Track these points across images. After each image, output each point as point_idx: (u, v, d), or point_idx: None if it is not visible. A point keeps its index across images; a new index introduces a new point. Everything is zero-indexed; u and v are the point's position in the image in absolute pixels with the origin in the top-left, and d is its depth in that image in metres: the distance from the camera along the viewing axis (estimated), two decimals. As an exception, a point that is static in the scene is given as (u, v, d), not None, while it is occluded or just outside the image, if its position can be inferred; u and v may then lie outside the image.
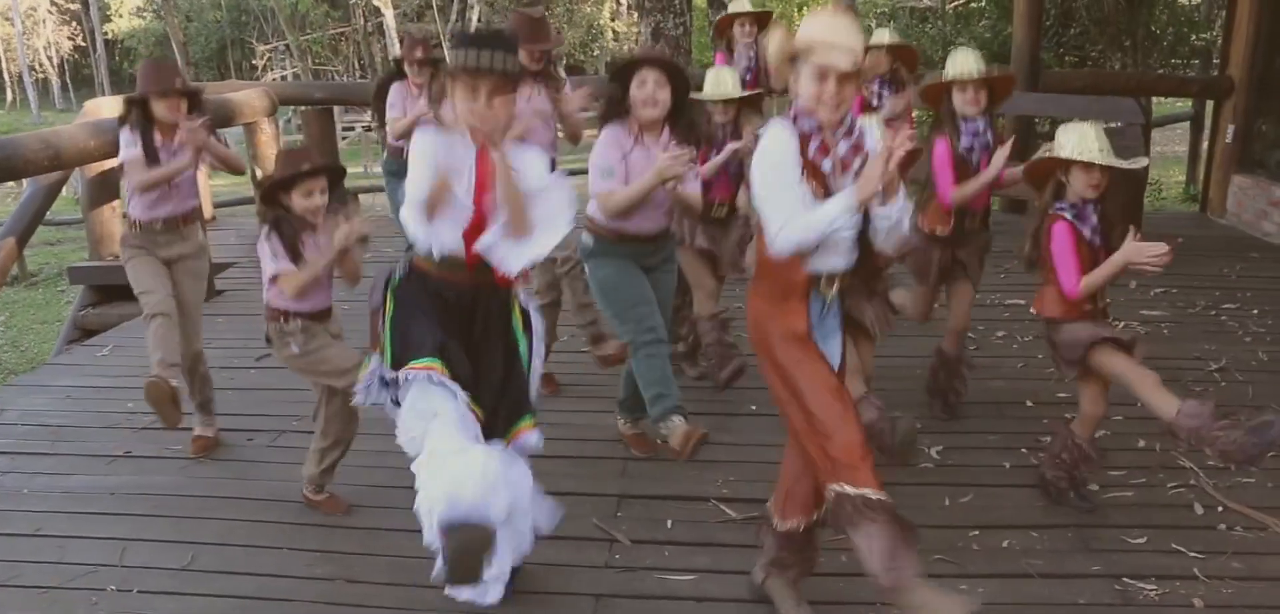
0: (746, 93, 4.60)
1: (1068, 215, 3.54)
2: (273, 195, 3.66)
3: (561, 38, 4.27)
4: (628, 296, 3.97)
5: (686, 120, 3.97)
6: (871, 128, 2.84)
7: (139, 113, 4.22)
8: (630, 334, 3.97)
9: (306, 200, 3.65)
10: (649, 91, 3.79)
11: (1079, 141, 3.50)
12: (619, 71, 3.93)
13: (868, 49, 4.97)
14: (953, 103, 4.22)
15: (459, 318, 3.03)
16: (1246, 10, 8.64)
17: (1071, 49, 12.69)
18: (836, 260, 2.79)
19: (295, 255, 3.64)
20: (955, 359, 4.58)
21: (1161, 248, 3.33)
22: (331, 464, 3.93)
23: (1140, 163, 3.54)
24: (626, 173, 3.83)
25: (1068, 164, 3.54)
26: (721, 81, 4.44)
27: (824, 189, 2.74)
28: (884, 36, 5.28)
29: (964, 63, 4.19)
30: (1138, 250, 3.37)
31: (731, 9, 5.83)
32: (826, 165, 2.75)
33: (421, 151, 2.89)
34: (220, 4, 29.81)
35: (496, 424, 3.04)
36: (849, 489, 2.68)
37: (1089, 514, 3.78)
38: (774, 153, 2.72)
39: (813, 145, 2.74)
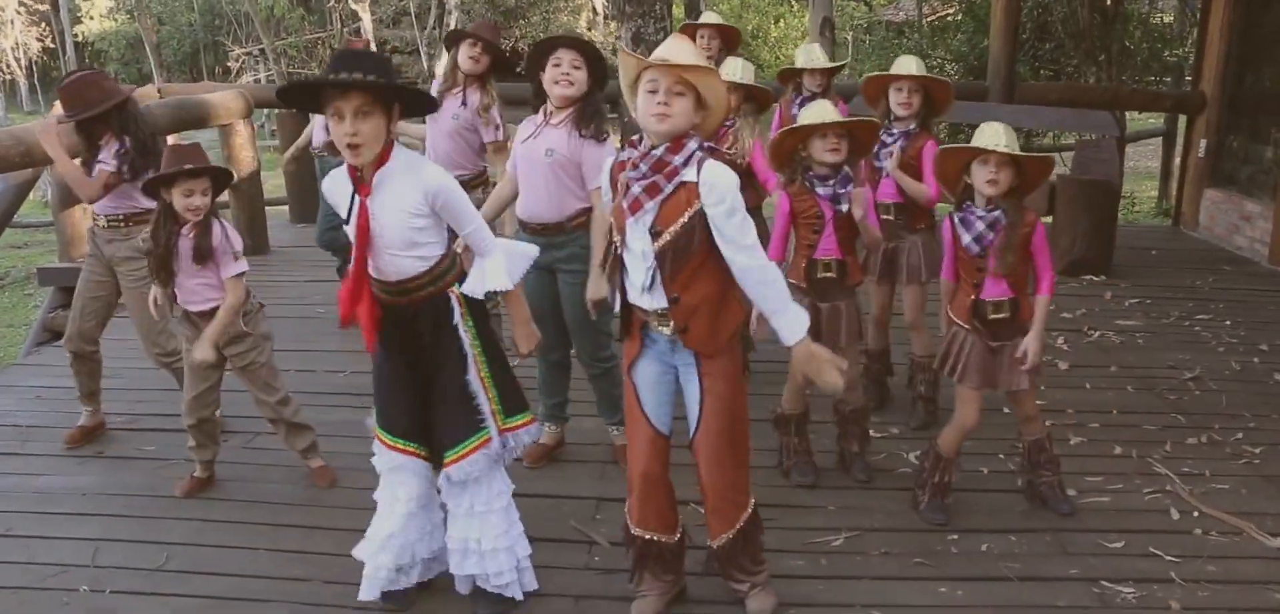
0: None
1: (955, 218, 3.56)
2: (154, 189, 3.80)
3: (497, 31, 4.32)
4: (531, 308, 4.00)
5: (593, 108, 3.79)
6: (693, 169, 2.77)
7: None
8: None
9: (186, 199, 3.76)
10: (563, 70, 3.71)
11: (987, 135, 3.43)
12: (534, 55, 3.83)
13: (803, 72, 4.90)
14: (889, 104, 4.32)
15: (409, 335, 3.05)
16: (1218, 28, 8.76)
17: (1047, 63, 12.84)
18: (640, 297, 2.87)
19: (162, 253, 3.80)
20: (928, 360, 4.61)
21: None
22: (304, 443, 4.16)
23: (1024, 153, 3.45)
24: (514, 161, 3.91)
25: (970, 163, 3.49)
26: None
27: (618, 222, 2.85)
28: (815, 54, 5.20)
29: (901, 64, 4.31)
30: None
31: (702, 19, 5.80)
32: (624, 202, 2.81)
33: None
34: (194, 6, 29.56)
35: (444, 440, 3.08)
36: (630, 521, 3.12)
37: (1067, 519, 3.79)
38: None
39: (621, 177, 2.84)
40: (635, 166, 2.78)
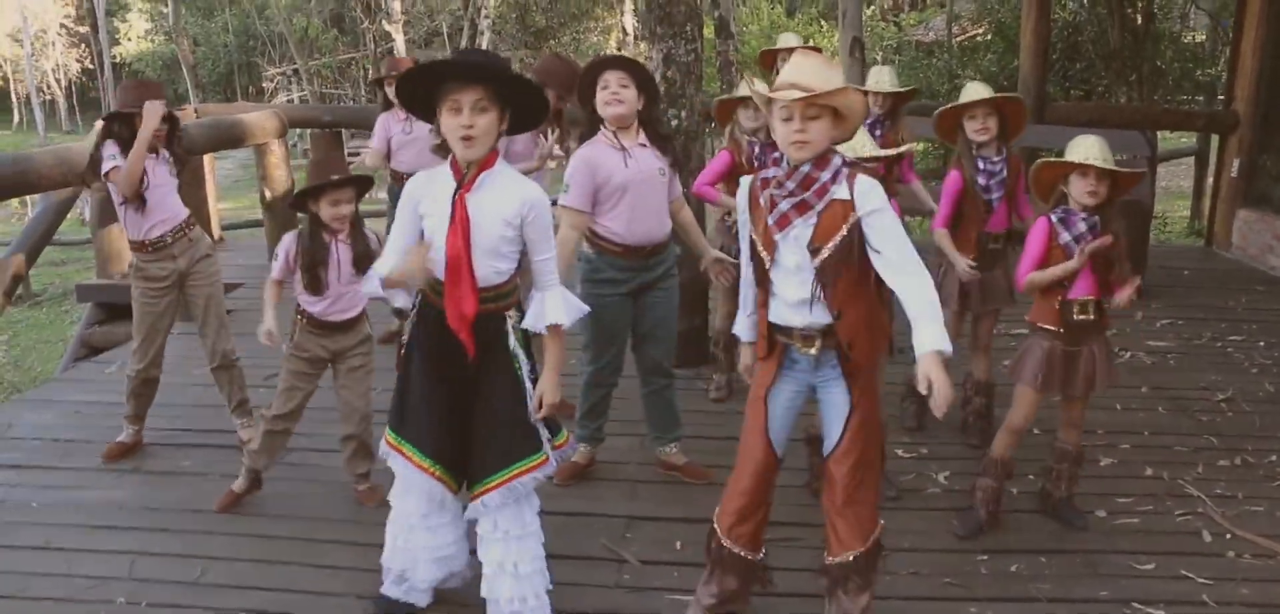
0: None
1: (1054, 217, 3.59)
2: (302, 202, 3.84)
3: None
4: (605, 334, 4.07)
5: (662, 130, 4.03)
6: (843, 185, 2.77)
7: (122, 128, 4.28)
8: (589, 362, 4.15)
9: (334, 209, 3.81)
10: (611, 91, 3.79)
11: (1082, 150, 3.54)
12: (584, 83, 3.91)
13: (867, 93, 5.00)
14: (966, 134, 4.29)
15: (457, 353, 3.01)
16: (1251, 46, 8.69)
17: (1077, 83, 12.78)
18: (790, 315, 2.85)
19: (316, 263, 3.85)
20: (988, 384, 4.63)
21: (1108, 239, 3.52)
22: (351, 454, 4.16)
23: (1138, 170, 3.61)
24: (595, 184, 3.84)
25: (1068, 176, 3.58)
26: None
27: (765, 240, 2.82)
28: (883, 79, 5.32)
29: (971, 90, 4.28)
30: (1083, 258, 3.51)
31: (779, 43, 5.84)
32: (771, 219, 2.81)
33: (401, 205, 3.00)
34: (228, 28, 29.99)
35: (489, 460, 3.06)
36: (717, 527, 3.07)
37: (1098, 539, 3.78)
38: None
39: (765, 195, 2.82)
40: (780, 185, 2.79)
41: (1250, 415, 5.06)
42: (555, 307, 3.04)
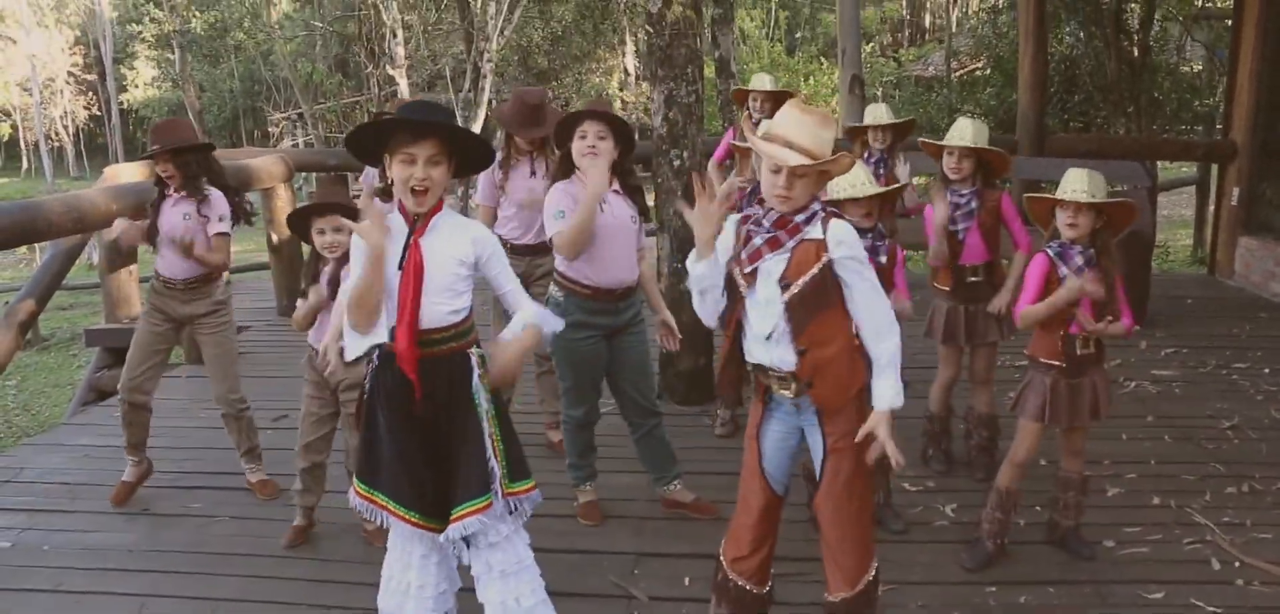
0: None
1: (1050, 251, 3.63)
2: (301, 228, 3.97)
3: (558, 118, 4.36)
4: (579, 378, 4.13)
5: (633, 182, 4.08)
6: (817, 226, 2.77)
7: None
8: (566, 406, 4.23)
9: (319, 237, 3.91)
10: (588, 142, 3.86)
11: (1064, 183, 3.58)
12: (562, 129, 3.99)
13: (868, 129, 5.06)
14: (942, 168, 4.39)
15: (415, 402, 3.00)
16: (1247, 76, 8.76)
17: (1076, 115, 12.86)
18: (760, 351, 2.86)
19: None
20: (990, 417, 4.64)
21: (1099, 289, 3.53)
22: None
23: (1112, 200, 3.63)
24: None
25: (1057, 207, 3.62)
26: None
27: (740, 269, 2.86)
28: (881, 114, 5.39)
29: (954, 131, 4.37)
30: (1075, 287, 3.53)
31: (751, 85, 5.88)
32: (744, 253, 2.84)
33: (354, 252, 2.97)
34: (234, 74, 30.23)
35: (456, 494, 3.05)
36: (723, 558, 3.08)
37: (1106, 569, 3.78)
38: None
39: (744, 230, 2.86)
40: (758, 223, 2.82)
41: (1257, 443, 5.07)
42: (534, 313, 3.10)
